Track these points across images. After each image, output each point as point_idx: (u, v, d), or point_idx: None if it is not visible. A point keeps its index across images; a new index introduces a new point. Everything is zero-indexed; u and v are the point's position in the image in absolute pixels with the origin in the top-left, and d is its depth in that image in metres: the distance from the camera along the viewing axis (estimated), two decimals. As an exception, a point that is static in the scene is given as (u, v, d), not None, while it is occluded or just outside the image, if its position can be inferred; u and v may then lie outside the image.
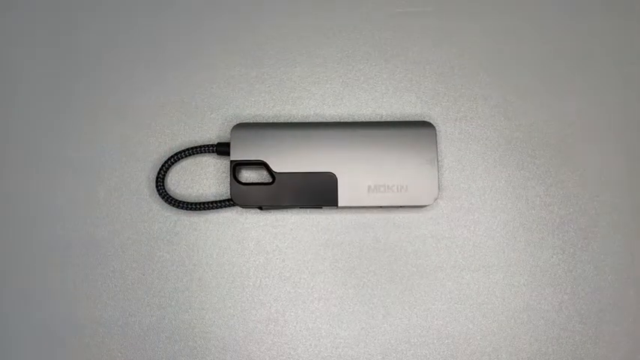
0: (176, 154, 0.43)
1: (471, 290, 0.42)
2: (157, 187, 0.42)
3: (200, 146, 0.43)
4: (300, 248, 0.43)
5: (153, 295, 0.42)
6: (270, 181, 0.41)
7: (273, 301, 0.42)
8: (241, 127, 0.42)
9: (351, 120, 0.44)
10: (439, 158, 0.43)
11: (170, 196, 0.42)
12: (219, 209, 0.43)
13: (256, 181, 0.43)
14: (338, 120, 0.44)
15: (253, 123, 0.43)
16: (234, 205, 0.42)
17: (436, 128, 0.43)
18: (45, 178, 0.44)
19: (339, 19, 0.46)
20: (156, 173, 0.43)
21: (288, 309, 0.42)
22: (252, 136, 0.42)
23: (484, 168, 0.44)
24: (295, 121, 0.44)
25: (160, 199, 0.43)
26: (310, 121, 0.44)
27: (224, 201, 0.42)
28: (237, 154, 0.41)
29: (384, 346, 0.42)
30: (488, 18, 0.46)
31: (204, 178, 0.44)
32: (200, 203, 0.42)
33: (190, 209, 0.42)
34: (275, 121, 0.44)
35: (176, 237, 0.43)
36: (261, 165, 0.41)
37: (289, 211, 0.43)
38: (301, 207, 0.42)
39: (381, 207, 0.41)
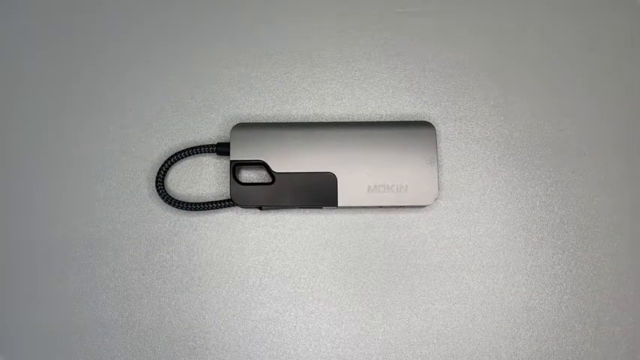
0: (176, 154, 0.43)
1: (470, 290, 0.42)
2: (156, 187, 0.42)
3: (200, 146, 0.43)
4: (300, 248, 0.43)
5: (153, 295, 0.42)
6: (270, 181, 0.41)
7: (273, 301, 0.42)
8: (241, 127, 0.42)
9: (350, 120, 0.44)
10: (439, 158, 0.43)
11: (170, 196, 0.42)
12: (219, 209, 0.43)
13: (256, 181, 0.43)
14: (338, 120, 0.44)
15: (253, 123, 0.43)
16: (234, 205, 0.42)
17: (436, 128, 0.43)
18: (45, 178, 0.44)
19: (340, 20, 0.46)
20: (156, 173, 0.43)
21: (288, 309, 0.42)
22: (252, 136, 0.42)
23: (484, 168, 0.43)
24: (295, 121, 0.44)
25: (160, 199, 0.43)
26: (310, 121, 0.44)
27: (224, 201, 0.42)
28: (237, 154, 0.41)
29: (384, 346, 0.42)
30: (488, 18, 0.46)
31: (204, 178, 0.44)
32: (200, 203, 0.42)
33: (190, 209, 0.42)
34: (275, 121, 0.44)
35: (176, 237, 0.43)
36: (261, 165, 0.41)
37: (289, 211, 0.43)
38: (301, 207, 0.42)
39: (381, 207, 0.41)
